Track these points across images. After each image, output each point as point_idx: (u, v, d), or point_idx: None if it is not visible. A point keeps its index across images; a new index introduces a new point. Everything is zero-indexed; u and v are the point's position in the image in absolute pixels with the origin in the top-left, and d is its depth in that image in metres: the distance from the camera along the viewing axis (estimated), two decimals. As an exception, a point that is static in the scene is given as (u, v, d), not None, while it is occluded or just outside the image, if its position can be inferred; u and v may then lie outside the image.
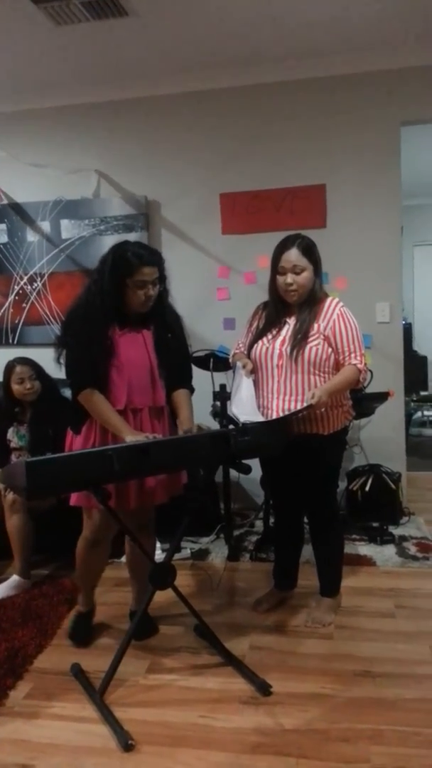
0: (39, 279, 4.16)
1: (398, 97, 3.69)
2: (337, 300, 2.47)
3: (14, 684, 2.24)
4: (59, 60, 3.62)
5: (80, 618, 2.58)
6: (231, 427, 2.58)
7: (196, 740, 1.94)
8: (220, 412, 3.35)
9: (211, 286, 4.02)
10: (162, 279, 2.35)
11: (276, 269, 2.43)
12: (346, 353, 2.40)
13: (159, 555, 2.92)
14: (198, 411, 2.95)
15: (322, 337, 2.39)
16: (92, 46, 3.47)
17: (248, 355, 2.53)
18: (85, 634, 2.54)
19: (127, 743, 1.91)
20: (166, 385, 2.42)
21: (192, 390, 2.52)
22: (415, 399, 6.18)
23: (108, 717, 2.03)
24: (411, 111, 3.71)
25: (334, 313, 2.41)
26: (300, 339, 2.38)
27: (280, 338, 2.44)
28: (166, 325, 2.41)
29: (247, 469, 2.37)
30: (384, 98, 3.71)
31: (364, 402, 3.51)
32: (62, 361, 2.36)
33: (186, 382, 2.49)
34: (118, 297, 2.30)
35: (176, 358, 2.43)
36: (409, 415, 5.94)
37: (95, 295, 2.31)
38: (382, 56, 3.65)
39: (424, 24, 3.34)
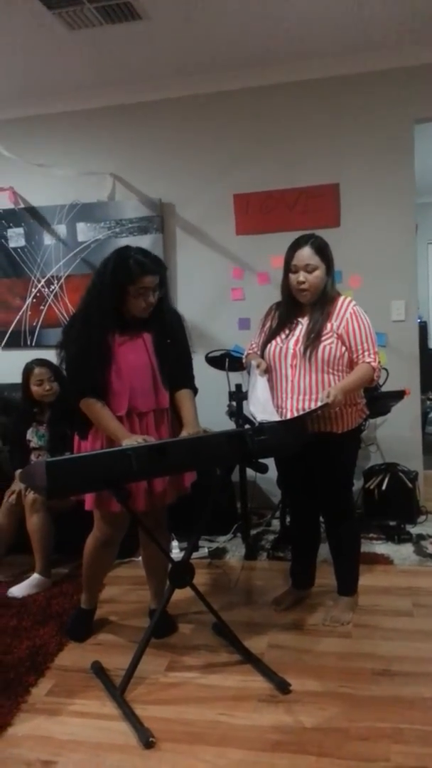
0: (56, 282, 4.20)
1: (411, 95, 3.68)
2: (349, 299, 2.48)
3: (36, 681, 2.27)
4: (73, 64, 3.66)
5: (82, 615, 2.61)
6: (247, 426, 2.59)
7: (216, 738, 1.95)
8: (236, 412, 3.36)
9: (225, 286, 4.04)
10: (162, 285, 2.36)
11: (289, 268, 2.44)
12: (360, 351, 2.41)
13: (176, 554, 2.94)
14: (214, 411, 2.99)
15: (335, 335, 2.40)
16: (106, 49, 3.50)
17: (261, 356, 2.54)
18: (84, 631, 2.57)
19: (147, 740, 1.93)
20: (169, 387, 2.43)
21: (195, 390, 2.52)
22: (431, 397, 6.14)
23: (128, 714, 2.05)
24: (424, 108, 3.70)
25: (347, 312, 2.42)
26: (313, 338, 2.39)
27: (294, 338, 2.45)
28: (165, 327, 2.42)
29: (264, 468, 2.39)
30: (397, 96, 3.70)
31: (380, 401, 3.51)
32: (63, 366, 2.38)
33: (188, 384, 2.50)
34: (118, 303, 2.31)
35: (177, 360, 2.44)
36: (425, 414, 5.90)
37: (95, 302, 2.32)
38: (394, 54, 3.64)
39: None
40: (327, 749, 1.87)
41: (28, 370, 3.24)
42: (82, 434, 2.40)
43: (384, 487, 3.66)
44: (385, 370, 3.65)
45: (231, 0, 3.03)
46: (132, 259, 2.28)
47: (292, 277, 2.43)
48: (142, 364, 2.35)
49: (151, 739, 1.93)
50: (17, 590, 2.94)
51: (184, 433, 2.35)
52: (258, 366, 2.48)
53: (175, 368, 2.42)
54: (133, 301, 2.30)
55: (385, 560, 3.18)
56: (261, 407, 2.42)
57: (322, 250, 2.43)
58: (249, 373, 2.55)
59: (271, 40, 3.47)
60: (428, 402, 6.06)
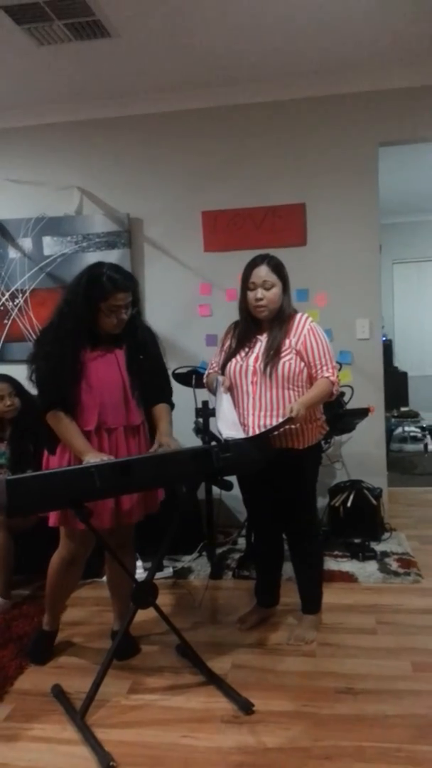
0: (20, 295, 4.15)
1: (376, 119, 3.77)
2: (306, 315, 2.53)
3: (-6, 706, 2.21)
4: (42, 79, 3.65)
5: (43, 637, 2.55)
6: (213, 443, 2.59)
7: (179, 761, 1.92)
8: (203, 429, 3.35)
9: (193, 302, 4.05)
10: (135, 302, 2.37)
11: (246, 285, 2.48)
12: (318, 366, 2.45)
13: (140, 573, 2.90)
14: (181, 427, 2.97)
15: (294, 352, 2.44)
16: (75, 65, 3.50)
17: (222, 374, 2.55)
18: (46, 654, 2.52)
19: (108, 765, 1.89)
20: (145, 402, 2.42)
21: (172, 405, 2.52)
22: (395, 415, 6.24)
23: (89, 738, 2.01)
24: (388, 131, 3.79)
25: (304, 329, 2.47)
26: (273, 355, 2.43)
27: (254, 355, 2.47)
28: (138, 344, 2.41)
29: (229, 486, 2.37)
30: (362, 119, 3.79)
31: (344, 418, 3.54)
32: (33, 379, 2.36)
33: (165, 398, 2.50)
34: (90, 319, 2.30)
35: (152, 376, 2.43)
36: (389, 431, 5.99)
37: (67, 317, 2.31)
38: (360, 77, 3.73)
39: (402, 46, 3.43)
40: (289, 770, 1.86)
41: (-12, 386, 3.18)
42: (51, 449, 2.37)
43: (349, 504, 3.68)
44: (350, 387, 3.71)
45: (200, 20, 3.07)
46: (105, 275, 2.27)
47: (250, 294, 2.47)
48: (113, 379, 2.34)
49: (111, 763, 1.90)
50: None
51: (156, 444, 2.34)
52: (222, 383, 2.49)
53: (150, 384, 2.42)
54: (105, 318, 2.29)
55: (349, 578, 3.19)
56: (227, 424, 2.43)
57: (279, 269, 2.48)
58: (215, 390, 2.55)
59: (240, 61, 3.52)
60: (393, 419, 6.16)
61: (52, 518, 2.33)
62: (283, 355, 2.43)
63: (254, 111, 3.91)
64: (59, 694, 2.26)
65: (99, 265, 2.34)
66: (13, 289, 4.15)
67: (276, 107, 3.88)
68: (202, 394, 3.37)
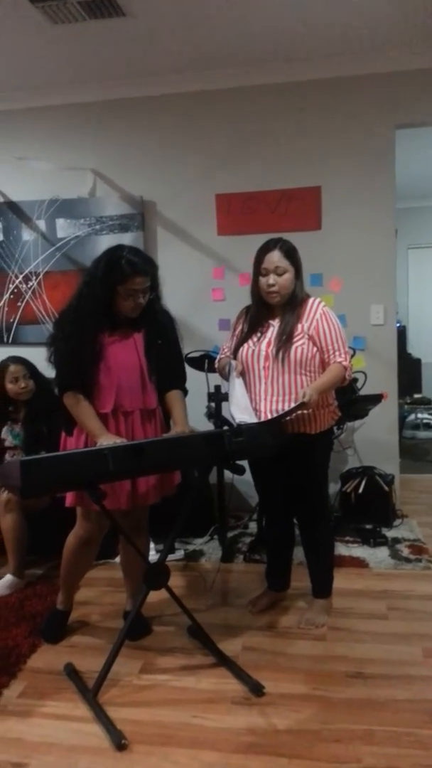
0: (34, 278, 4.15)
1: (393, 101, 3.71)
2: (318, 300, 2.50)
3: (8, 683, 2.24)
4: (56, 58, 3.62)
5: (56, 616, 2.58)
6: (225, 428, 2.58)
7: (189, 740, 1.94)
8: (215, 413, 3.35)
9: (206, 286, 4.03)
10: (154, 287, 2.36)
11: (258, 271, 2.46)
12: (331, 351, 2.44)
13: (153, 556, 2.92)
14: (193, 412, 2.97)
15: (306, 336, 2.42)
16: (89, 45, 3.47)
17: (234, 359, 2.54)
18: (59, 633, 2.55)
19: (120, 742, 1.91)
20: (159, 387, 2.43)
21: (185, 392, 2.52)
22: (408, 401, 6.20)
23: (101, 716, 2.03)
24: (406, 114, 3.73)
25: (317, 314, 2.45)
26: (285, 340, 2.41)
27: (266, 340, 2.46)
28: (156, 328, 2.41)
29: (241, 470, 2.37)
30: (379, 101, 3.73)
31: (357, 404, 3.53)
32: (52, 360, 2.37)
33: (179, 384, 2.50)
34: (109, 302, 2.30)
35: (168, 361, 2.44)
36: (402, 418, 5.96)
37: (86, 299, 2.31)
38: (377, 59, 3.67)
39: (420, 28, 3.36)
40: (299, 751, 1.88)
41: (2, 368, 3.19)
42: (68, 430, 2.38)
43: (361, 490, 3.68)
44: (363, 373, 3.69)
45: (217, 0, 3.02)
46: (124, 258, 2.26)
47: (262, 280, 2.45)
48: (131, 363, 2.34)
49: (123, 741, 1.92)
50: None
51: (173, 433, 2.35)
52: (235, 368, 2.48)
53: (165, 369, 2.42)
54: (122, 301, 2.29)
55: (360, 563, 3.19)
56: (240, 408, 2.43)
57: (291, 254, 2.45)
58: (228, 375, 2.55)
59: (256, 42, 3.47)
60: (406, 406, 6.12)
61: (69, 498, 2.36)
62: (295, 340, 2.41)
63: (270, 92, 3.85)
64: (72, 672, 2.28)
65: (119, 248, 2.33)
66: (26, 271, 4.16)
67: (292, 89, 3.82)
68: (215, 379, 3.37)
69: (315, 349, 2.44)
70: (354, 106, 3.77)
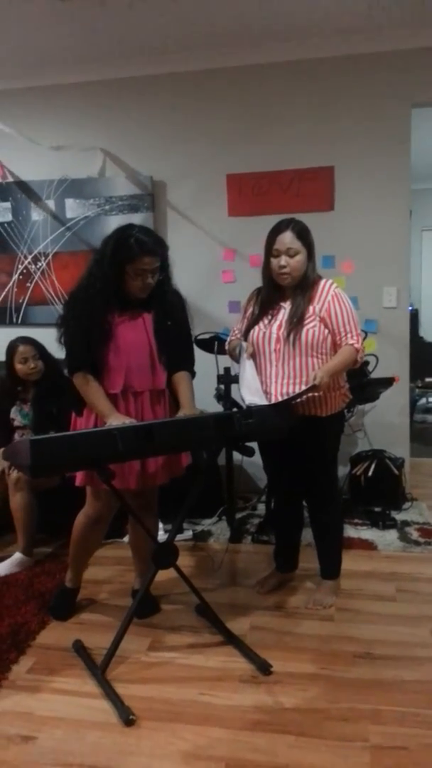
0: (43, 258, 4.14)
1: (410, 78, 3.63)
2: (330, 282, 2.47)
3: (17, 658, 2.27)
4: (65, 37, 3.57)
5: (66, 593, 2.60)
6: (235, 410, 2.57)
7: (196, 716, 1.96)
8: (224, 395, 3.35)
9: (216, 268, 4.00)
10: (164, 267, 2.34)
11: (270, 252, 2.43)
12: (343, 333, 2.41)
13: (162, 536, 2.93)
14: (202, 394, 2.97)
15: (318, 319, 2.39)
16: (99, 23, 3.41)
17: (245, 341, 2.52)
18: (67, 610, 2.57)
19: (128, 718, 1.93)
20: (167, 368, 2.42)
21: (193, 374, 2.51)
22: (420, 385, 6.16)
23: (109, 692, 2.05)
24: (422, 92, 3.65)
25: (328, 295, 2.42)
26: (296, 322, 2.39)
27: (277, 322, 2.44)
28: (166, 309, 2.40)
29: (250, 452, 2.37)
30: (395, 79, 3.65)
31: (368, 387, 3.50)
32: (63, 341, 2.36)
33: (187, 366, 2.48)
34: (118, 282, 2.29)
35: (177, 342, 2.42)
36: (413, 401, 5.93)
37: (96, 279, 2.30)
38: (393, 36, 3.58)
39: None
40: (306, 729, 1.89)
41: (12, 348, 3.20)
42: (78, 411, 2.38)
43: (370, 473, 3.67)
44: (375, 356, 3.66)
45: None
46: (133, 237, 2.24)
47: (273, 261, 2.42)
48: (141, 343, 2.33)
49: (131, 716, 1.94)
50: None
51: (180, 415, 2.34)
52: (245, 350, 2.47)
53: (174, 350, 2.41)
54: (131, 281, 2.28)
55: (369, 545, 3.19)
56: (250, 390, 2.41)
57: (303, 235, 2.41)
58: (238, 357, 2.53)
59: (268, 18, 3.39)
60: (417, 390, 6.09)
61: (79, 478, 2.36)
62: (306, 322, 2.39)
63: (282, 71, 3.78)
64: (80, 649, 2.31)
65: (129, 227, 2.31)
66: (36, 252, 4.14)
67: (305, 67, 3.75)
68: (224, 361, 3.35)
69: (327, 331, 2.41)
70: (369, 84, 3.69)
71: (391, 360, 3.81)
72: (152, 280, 2.30)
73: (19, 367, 3.16)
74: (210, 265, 3.98)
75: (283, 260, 2.39)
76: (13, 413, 3.21)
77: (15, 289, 4.20)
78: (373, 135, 3.72)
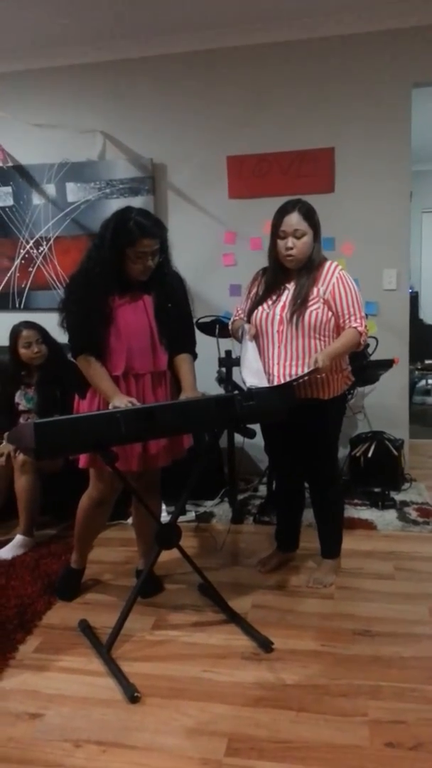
0: (45, 243, 4.13)
1: (410, 57, 3.60)
2: (336, 263, 2.47)
3: (24, 638, 2.32)
4: (64, 19, 3.53)
5: (71, 574, 2.65)
6: (236, 392, 2.59)
7: (200, 693, 2.01)
8: (226, 378, 3.36)
9: (217, 251, 3.99)
10: (164, 249, 2.34)
11: (276, 233, 2.42)
12: (347, 316, 2.41)
13: (165, 517, 2.97)
14: (203, 377, 2.98)
15: (321, 301, 2.40)
16: (98, 4, 3.38)
17: (248, 322, 2.53)
18: (72, 590, 2.62)
19: (133, 695, 1.98)
20: (169, 350, 2.43)
21: (195, 356, 2.53)
22: (419, 367, 6.18)
23: (114, 670, 2.10)
24: (423, 72, 3.62)
25: (333, 277, 2.42)
26: (300, 304, 2.39)
27: (280, 304, 2.44)
28: (166, 291, 2.41)
29: (251, 434, 2.40)
30: (395, 58, 3.62)
31: (368, 369, 3.52)
32: (65, 325, 2.38)
33: (188, 348, 2.50)
34: (118, 265, 2.29)
35: (178, 324, 2.43)
36: (413, 383, 5.95)
37: (95, 262, 2.31)
38: (393, 15, 3.54)
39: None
40: (307, 705, 1.93)
41: (15, 333, 3.21)
42: (81, 393, 2.41)
43: (370, 454, 3.70)
44: (375, 339, 3.67)
45: None
46: (132, 220, 2.25)
47: (280, 243, 2.41)
48: (141, 325, 2.35)
49: (136, 694, 1.98)
50: (4, 553, 2.97)
51: (182, 398, 2.36)
52: (248, 331, 2.48)
53: (175, 332, 2.42)
54: (131, 264, 2.29)
55: (368, 525, 3.23)
56: (252, 372, 2.43)
57: (310, 216, 2.40)
58: (241, 338, 2.54)
59: (268, -4, 3.36)
60: (416, 372, 6.10)
61: (82, 460, 2.40)
62: (310, 304, 2.39)
63: (282, 52, 3.75)
64: (86, 628, 2.35)
65: (127, 210, 2.31)
66: (37, 236, 4.14)
67: (305, 47, 3.72)
68: (225, 344, 3.37)
69: (330, 313, 2.41)
70: (369, 64, 3.66)
71: (391, 342, 3.82)
72: (152, 262, 2.31)
73: (23, 351, 3.18)
74: (211, 248, 3.98)
75: (290, 242, 2.38)
76: (18, 397, 3.24)
77: (17, 274, 4.20)
78: (373, 116, 3.70)
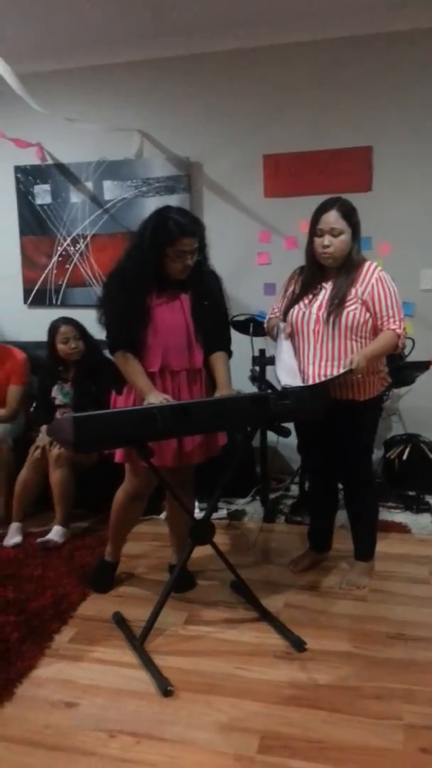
0: (82, 240, 4.18)
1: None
2: (375, 265, 2.45)
3: (60, 629, 2.36)
4: (102, 17, 3.56)
5: (105, 567, 2.68)
6: (270, 391, 2.59)
7: (232, 689, 2.01)
8: (259, 377, 3.36)
9: (251, 250, 3.99)
10: (202, 248, 2.36)
11: (314, 231, 2.41)
12: (385, 318, 2.38)
13: (197, 513, 2.98)
14: (237, 375, 2.98)
15: (359, 301, 2.38)
16: (136, 2, 3.40)
17: (284, 320, 2.52)
18: (106, 583, 2.65)
19: (166, 688, 1.99)
20: (204, 348, 2.45)
21: (230, 354, 2.54)
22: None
23: (148, 663, 2.12)
24: (466, 69, 3.56)
25: (372, 278, 2.39)
26: (337, 304, 2.37)
27: (317, 303, 2.43)
28: (203, 290, 2.42)
29: (286, 433, 2.39)
30: (437, 56, 3.56)
31: (404, 371, 3.47)
32: (103, 322, 2.41)
33: (224, 346, 2.51)
34: (157, 264, 2.31)
35: (214, 322, 2.44)
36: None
37: (134, 261, 2.33)
38: (434, 10, 3.49)
39: None
40: (339, 706, 1.92)
41: (54, 329, 3.26)
42: (118, 389, 2.44)
43: (405, 457, 3.65)
44: (411, 340, 3.61)
45: None
46: (171, 219, 2.27)
47: (317, 241, 2.40)
48: (178, 324, 2.37)
49: (169, 687, 2.00)
50: (54, 535, 3.03)
51: (217, 395, 2.37)
52: (283, 330, 2.47)
53: (211, 330, 2.44)
54: (171, 263, 2.30)
55: (402, 529, 3.20)
56: (286, 371, 2.42)
57: (349, 215, 2.38)
58: (276, 336, 2.54)
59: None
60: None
61: (118, 455, 2.43)
62: (348, 304, 2.37)
63: (319, 49, 3.72)
64: (120, 621, 2.38)
65: (166, 209, 2.34)
66: (74, 234, 4.19)
67: (343, 44, 3.68)
68: (259, 343, 3.37)
69: (368, 314, 2.39)
70: (409, 61, 3.61)
71: (428, 343, 3.75)
72: (191, 261, 2.33)
73: (60, 347, 3.23)
74: (245, 246, 3.98)
75: (327, 240, 2.36)
76: (55, 392, 3.29)
77: (54, 271, 4.26)
78: (412, 113, 3.65)
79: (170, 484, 2.36)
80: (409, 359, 3.55)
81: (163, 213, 2.32)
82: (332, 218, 2.35)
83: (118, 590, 2.65)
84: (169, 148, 4.02)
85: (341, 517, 2.82)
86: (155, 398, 2.22)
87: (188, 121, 3.98)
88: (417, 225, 3.73)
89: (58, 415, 3.24)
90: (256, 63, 3.83)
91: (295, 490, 3.71)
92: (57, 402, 3.28)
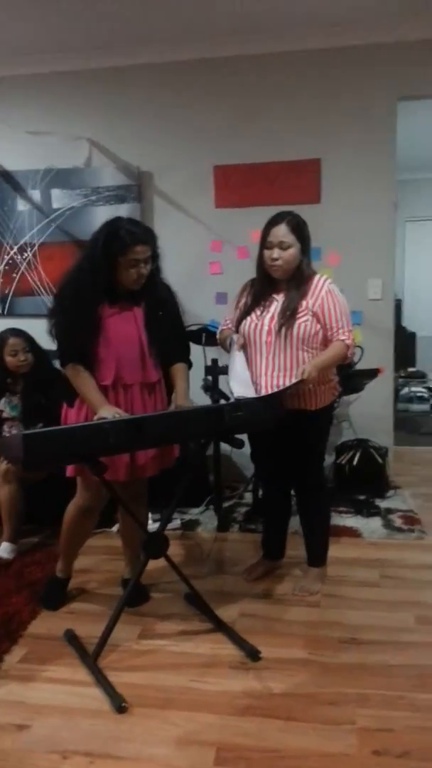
0: (29, 249, 4.11)
1: (396, 72, 3.65)
2: (325, 277, 2.50)
3: (9, 648, 2.30)
4: (54, 25, 3.53)
5: (56, 583, 2.63)
6: (223, 401, 2.60)
7: (187, 702, 2.00)
8: (212, 387, 3.37)
9: (203, 259, 4.01)
10: (155, 257, 2.36)
11: (264, 243, 2.45)
12: (335, 329, 2.44)
13: (151, 525, 2.97)
14: (190, 385, 2.99)
15: (310, 313, 2.42)
16: (87, 12, 3.38)
17: (236, 332, 2.55)
18: (58, 599, 2.60)
19: (120, 705, 1.97)
20: (162, 360, 2.44)
21: (189, 364, 2.54)
22: (402, 375, 6.24)
23: (101, 680, 2.09)
24: (409, 85, 3.67)
25: (322, 290, 2.44)
26: (289, 316, 2.41)
27: (269, 315, 2.46)
28: (157, 301, 2.42)
29: (240, 444, 2.41)
30: (382, 72, 3.67)
31: (354, 378, 3.55)
32: (53, 333, 2.37)
33: (183, 357, 2.51)
34: (110, 274, 2.30)
35: (170, 334, 2.44)
36: (396, 391, 6.01)
37: (86, 272, 2.31)
38: (380, 29, 3.59)
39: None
40: (295, 713, 1.94)
41: (2, 341, 3.19)
42: (69, 402, 2.40)
43: (355, 462, 3.73)
44: (360, 348, 3.70)
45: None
46: (123, 229, 2.26)
47: (266, 253, 2.44)
48: (131, 336, 2.35)
49: (123, 704, 1.98)
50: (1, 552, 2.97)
51: (173, 406, 2.37)
52: (236, 341, 2.49)
53: (168, 342, 2.43)
54: (125, 272, 2.29)
55: (353, 533, 3.25)
56: (239, 382, 2.44)
57: (299, 229, 2.43)
58: (228, 348, 2.55)
59: (257, 8, 3.39)
60: (400, 379, 6.17)
61: (69, 469, 2.39)
62: (299, 316, 2.41)
63: (269, 62, 3.78)
64: (72, 638, 2.34)
65: (117, 220, 2.33)
66: (21, 242, 4.12)
67: (292, 59, 3.75)
68: (212, 353, 3.38)
69: (318, 325, 2.44)
70: (356, 77, 3.70)
71: (377, 351, 3.85)
72: (145, 270, 2.32)
73: (9, 359, 3.16)
74: (197, 256, 3.99)
75: (276, 252, 2.40)
76: (2, 405, 3.21)
77: (1, 280, 4.17)
78: (359, 127, 3.75)
79: (123, 499, 2.34)
80: (358, 367, 3.63)
81: (114, 223, 2.31)
82: (281, 232, 2.39)
83: (69, 606, 2.60)
84: (119, 157, 4.00)
85: (294, 523, 2.85)
86: (107, 412, 2.19)
87: (139, 131, 3.97)
88: (364, 236, 3.82)
89: (5, 428, 3.17)
90: (207, 74, 3.86)
91: (248, 498, 3.73)
92: (4, 415, 3.21)
